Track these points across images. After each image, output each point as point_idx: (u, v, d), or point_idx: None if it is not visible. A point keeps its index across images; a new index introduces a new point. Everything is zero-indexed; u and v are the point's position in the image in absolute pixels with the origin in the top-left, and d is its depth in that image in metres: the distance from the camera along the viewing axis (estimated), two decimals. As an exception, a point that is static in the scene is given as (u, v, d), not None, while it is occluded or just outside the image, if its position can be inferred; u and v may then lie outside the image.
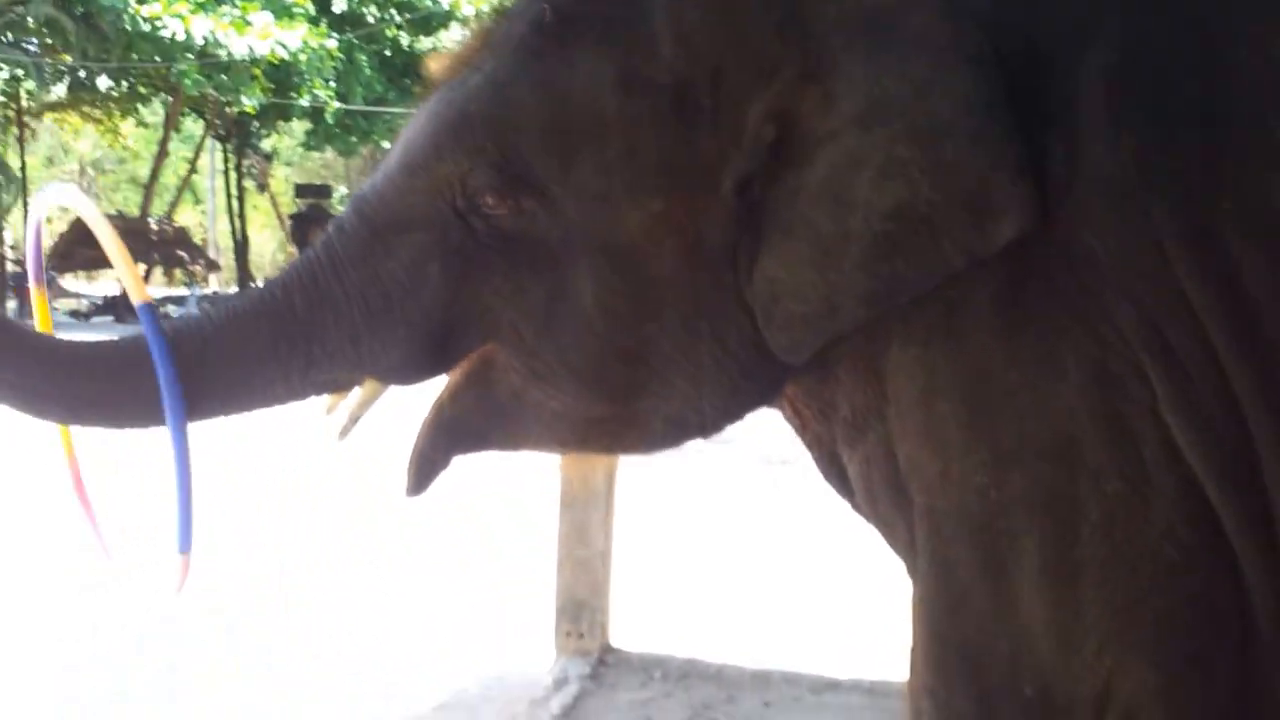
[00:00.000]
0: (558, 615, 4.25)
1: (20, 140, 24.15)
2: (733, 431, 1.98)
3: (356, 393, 1.93)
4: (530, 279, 1.79)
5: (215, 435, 1.94)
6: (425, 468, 1.90)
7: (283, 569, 5.71)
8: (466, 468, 2.01)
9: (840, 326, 1.73)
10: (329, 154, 28.86)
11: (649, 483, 6.87)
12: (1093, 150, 1.63)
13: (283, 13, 21.09)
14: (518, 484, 6.48)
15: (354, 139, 24.29)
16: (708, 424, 1.89)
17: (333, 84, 22.23)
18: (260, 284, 1.99)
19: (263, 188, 30.83)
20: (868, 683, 4.00)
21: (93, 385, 1.80)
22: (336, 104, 22.38)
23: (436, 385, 1.91)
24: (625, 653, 4.27)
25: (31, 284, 2.04)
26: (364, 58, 22.90)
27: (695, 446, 2.02)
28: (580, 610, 4.24)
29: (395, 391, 1.93)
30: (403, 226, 1.82)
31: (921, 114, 1.64)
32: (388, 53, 24.01)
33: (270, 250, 35.87)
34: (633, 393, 1.85)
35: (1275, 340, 1.57)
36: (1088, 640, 1.62)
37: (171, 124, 24.93)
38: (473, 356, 1.86)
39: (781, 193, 1.73)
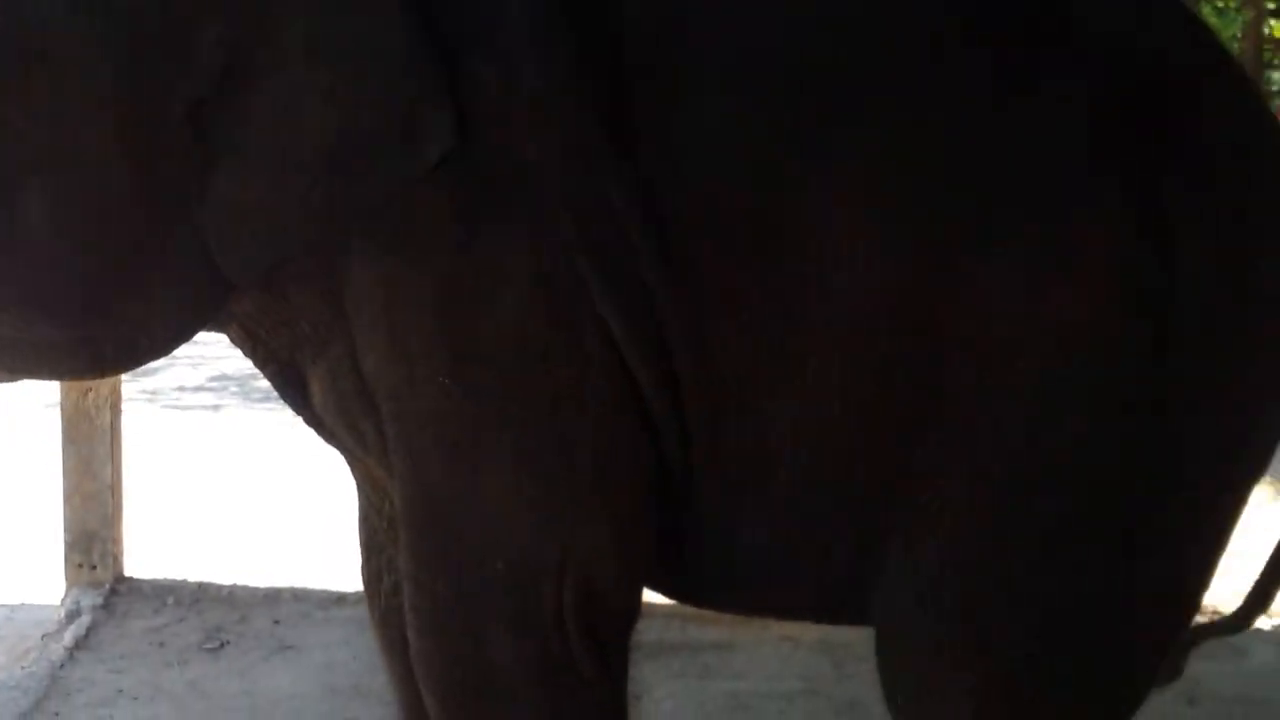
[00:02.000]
0: (67, 549, 4.29)
1: None
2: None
3: None
4: None
5: None
6: None
7: None
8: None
9: (290, 246, 1.87)
10: None
11: (153, 413, 6.89)
12: (525, 70, 1.87)
13: None
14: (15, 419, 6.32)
15: None
16: (158, 346, 1.98)
17: None
18: None
19: None
20: (371, 595, 4.31)
21: None
22: None
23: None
24: (138, 581, 4.37)
25: None
26: None
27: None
28: (91, 542, 4.30)
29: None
30: None
31: (357, 47, 1.83)
32: None
33: None
34: (84, 316, 1.90)
35: (681, 232, 1.83)
36: (548, 511, 1.88)
37: None
38: None
39: (232, 117, 1.83)
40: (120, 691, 3.63)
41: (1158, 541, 1.92)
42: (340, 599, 4.34)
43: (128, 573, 4.41)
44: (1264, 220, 1.93)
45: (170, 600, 4.27)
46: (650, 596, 2.10)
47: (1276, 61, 15.00)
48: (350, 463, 2.27)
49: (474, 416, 1.88)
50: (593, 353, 1.85)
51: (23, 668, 3.74)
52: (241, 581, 4.42)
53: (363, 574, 2.48)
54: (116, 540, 4.37)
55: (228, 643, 4.02)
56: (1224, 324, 1.87)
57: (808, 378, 1.86)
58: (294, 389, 2.14)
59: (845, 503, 1.92)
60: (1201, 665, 4.20)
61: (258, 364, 2.19)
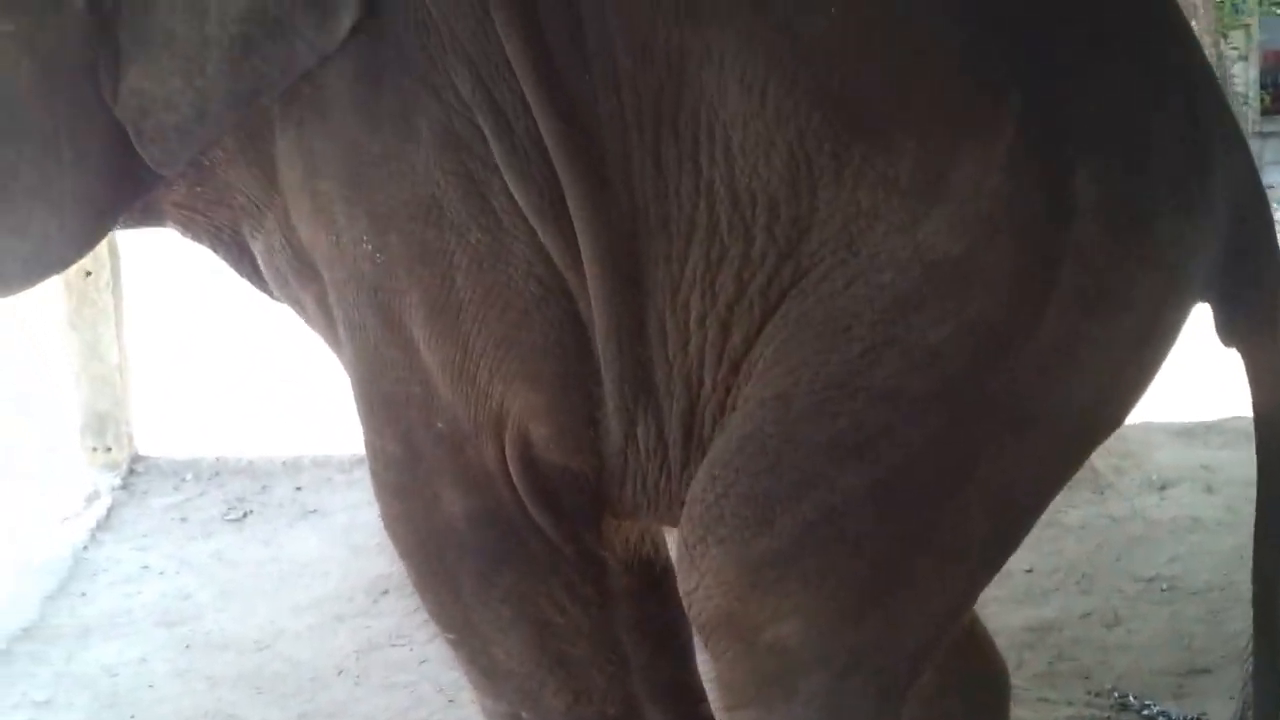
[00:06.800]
0: (81, 432, 4.28)
1: None
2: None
3: None
4: None
5: None
6: None
7: None
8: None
9: (211, 130, 1.85)
10: None
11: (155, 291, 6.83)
12: None
13: None
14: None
15: None
16: (69, 255, 1.97)
17: None
18: None
19: None
20: (390, 454, 4.29)
21: None
22: None
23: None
24: (154, 459, 4.36)
25: None
26: None
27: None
28: (104, 424, 4.29)
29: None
30: None
31: None
32: None
33: None
34: None
35: (566, 80, 1.77)
36: (479, 372, 1.84)
37: None
38: None
39: (135, 5, 1.79)
40: (146, 568, 3.63)
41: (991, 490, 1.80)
42: (360, 461, 4.29)
43: (143, 452, 4.40)
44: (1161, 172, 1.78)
45: (189, 476, 4.27)
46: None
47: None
48: None
49: (397, 283, 1.85)
50: (505, 217, 1.79)
51: (46, 552, 3.73)
52: (260, 452, 4.40)
53: None
54: (127, 421, 4.35)
55: (250, 513, 4.01)
56: (1113, 282, 1.75)
57: (686, 261, 1.79)
58: (245, 263, 2.10)
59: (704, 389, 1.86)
60: (1220, 454, 4.22)
61: (208, 245, 2.13)
